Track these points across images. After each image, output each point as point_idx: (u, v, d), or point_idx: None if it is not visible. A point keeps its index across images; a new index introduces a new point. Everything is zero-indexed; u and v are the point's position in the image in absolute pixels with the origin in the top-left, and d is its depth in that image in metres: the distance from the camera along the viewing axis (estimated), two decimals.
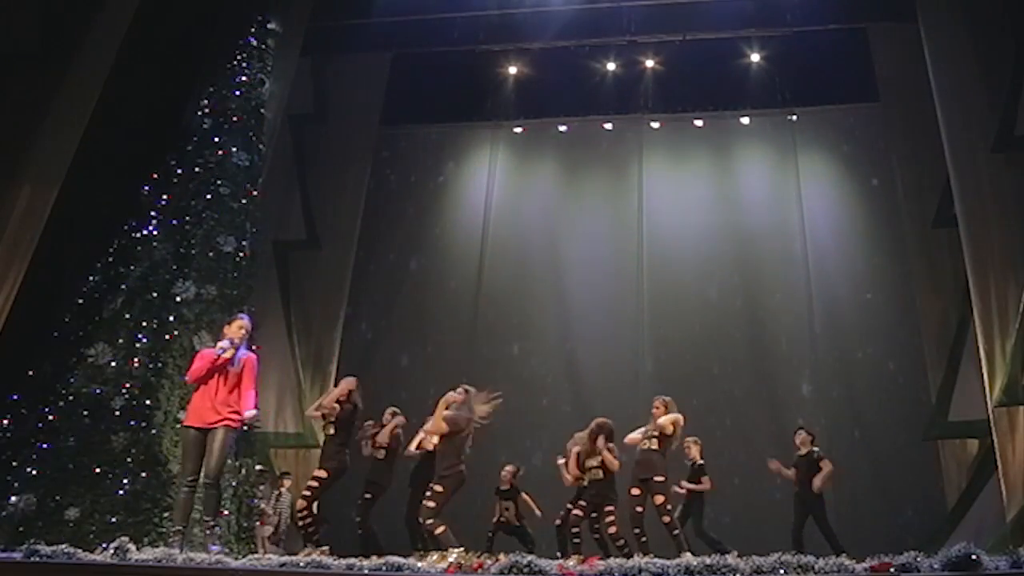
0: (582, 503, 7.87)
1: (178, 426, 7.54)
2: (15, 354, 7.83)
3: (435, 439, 6.85)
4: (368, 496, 7.88)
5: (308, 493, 7.30)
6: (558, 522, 8.44)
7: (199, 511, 6.47)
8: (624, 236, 12.06)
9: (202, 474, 6.22)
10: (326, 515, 10.64)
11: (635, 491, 7.52)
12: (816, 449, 8.46)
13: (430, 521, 6.36)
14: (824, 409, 10.66)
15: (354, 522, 7.85)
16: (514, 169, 12.87)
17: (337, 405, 7.41)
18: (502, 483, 8.97)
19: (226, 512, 7.65)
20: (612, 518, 7.60)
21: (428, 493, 6.48)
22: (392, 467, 8.01)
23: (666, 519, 7.36)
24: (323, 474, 7.30)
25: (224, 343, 6.36)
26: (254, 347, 6.65)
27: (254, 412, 6.42)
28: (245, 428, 6.65)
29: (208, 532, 6.23)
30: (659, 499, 7.40)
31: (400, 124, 12.78)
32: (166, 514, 7.23)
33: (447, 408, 6.62)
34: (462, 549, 6.20)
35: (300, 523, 7.36)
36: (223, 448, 6.21)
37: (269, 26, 9.97)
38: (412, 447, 8.02)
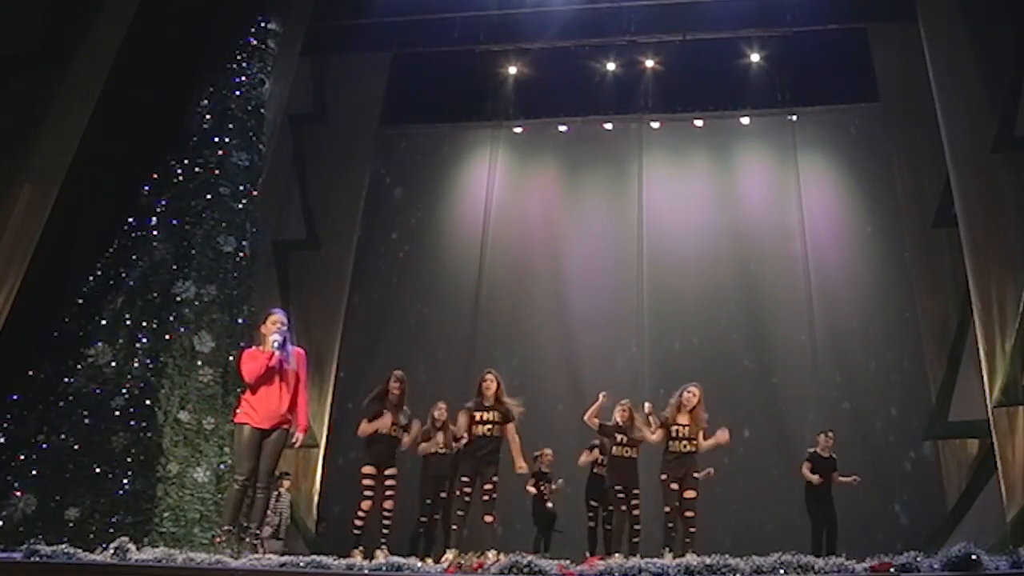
0: (618, 487, 7.78)
1: (177, 424, 7.58)
2: (15, 354, 7.84)
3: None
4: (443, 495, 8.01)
5: (392, 493, 7.25)
6: (591, 524, 8.38)
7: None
8: (624, 236, 12.04)
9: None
10: (325, 514, 10.73)
11: (674, 486, 7.45)
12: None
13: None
14: (824, 408, 10.64)
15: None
16: (514, 169, 12.85)
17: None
18: (545, 465, 8.93)
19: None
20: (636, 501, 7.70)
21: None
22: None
23: (690, 513, 7.33)
24: (395, 471, 7.34)
25: (276, 336, 6.19)
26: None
27: (302, 437, 6.36)
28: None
29: (253, 538, 6.11)
30: (691, 493, 7.38)
31: (400, 124, 12.75)
32: (166, 514, 7.24)
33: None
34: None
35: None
36: (279, 451, 6.21)
37: (269, 26, 9.96)
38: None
